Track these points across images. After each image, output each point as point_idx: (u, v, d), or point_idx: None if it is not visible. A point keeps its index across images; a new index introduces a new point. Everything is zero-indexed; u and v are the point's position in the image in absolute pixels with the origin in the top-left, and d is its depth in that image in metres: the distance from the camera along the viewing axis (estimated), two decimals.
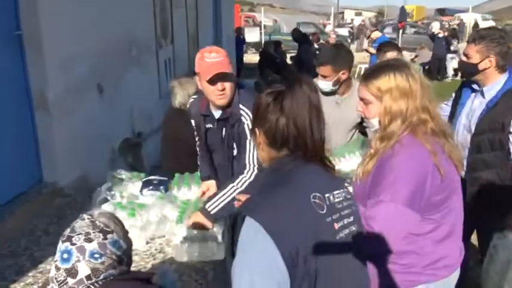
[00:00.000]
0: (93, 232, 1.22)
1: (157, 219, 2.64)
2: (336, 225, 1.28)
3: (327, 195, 1.28)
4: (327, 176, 1.36)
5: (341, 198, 1.32)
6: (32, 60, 3.05)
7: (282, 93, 1.29)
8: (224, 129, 2.40)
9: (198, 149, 2.82)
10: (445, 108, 2.91)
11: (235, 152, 2.42)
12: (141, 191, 2.87)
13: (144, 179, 2.98)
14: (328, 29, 17.96)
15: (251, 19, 24.97)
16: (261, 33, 19.27)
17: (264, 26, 19.94)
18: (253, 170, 2.34)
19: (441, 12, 44.83)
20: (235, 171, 2.44)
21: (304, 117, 1.27)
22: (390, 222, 1.56)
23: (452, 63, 13.95)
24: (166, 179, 2.93)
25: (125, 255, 1.31)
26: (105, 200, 2.90)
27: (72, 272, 1.18)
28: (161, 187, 2.86)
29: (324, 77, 2.92)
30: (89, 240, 1.20)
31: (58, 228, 2.84)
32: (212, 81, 2.23)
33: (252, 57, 16.27)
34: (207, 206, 2.32)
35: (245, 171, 2.36)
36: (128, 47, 4.54)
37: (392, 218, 1.56)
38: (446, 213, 1.68)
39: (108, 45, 4.04)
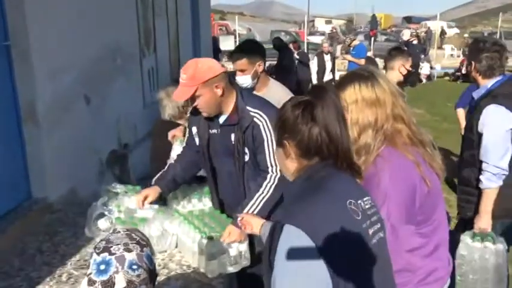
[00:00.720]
0: (131, 243, 1.20)
1: (158, 233, 2.57)
2: (370, 231, 1.29)
3: (359, 201, 1.29)
4: (355, 182, 1.37)
5: (369, 205, 1.34)
6: (21, 71, 2.93)
7: (310, 103, 1.30)
8: (233, 135, 2.33)
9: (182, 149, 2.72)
10: None
11: (247, 157, 2.34)
12: None
13: None
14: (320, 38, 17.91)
15: (224, 27, 25.03)
16: (235, 41, 19.29)
17: (238, 34, 19.98)
18: (277, 173, 2.26)
19: (408, 20, 46.20)
20: (247, 178, 2.37)
21: (334, 124, 1.28)
22: (390, 241, 1.50)
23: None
24: None
25: (154, 272, 1.28)
26: (101, 215, 2.81)
27: (108, 285, 1.15)
28: (160, 201, 2.79)
29: (242, 71, 2.94)
30: (128, 250, 1.18)
31: (51, 246, 2.71)
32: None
33: (225, 66, 16.27)
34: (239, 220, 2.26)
35: (268, 176, 2.28)
36: (114, 56, 4.45)
37: (390, 236, 1.51)
38: (436, 226, 1.67)
39: (95, 55, 3.95)
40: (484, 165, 2.58)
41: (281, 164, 1.41)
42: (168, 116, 3.30)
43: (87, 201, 3.44)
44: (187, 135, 2.70)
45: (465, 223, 2.86)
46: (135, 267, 1.18)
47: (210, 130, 2.43)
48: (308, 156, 1.31)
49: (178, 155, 2.75)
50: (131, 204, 2.91)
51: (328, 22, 46.97)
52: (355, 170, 1.35)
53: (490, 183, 2.56)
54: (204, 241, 2.26)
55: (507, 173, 2.56)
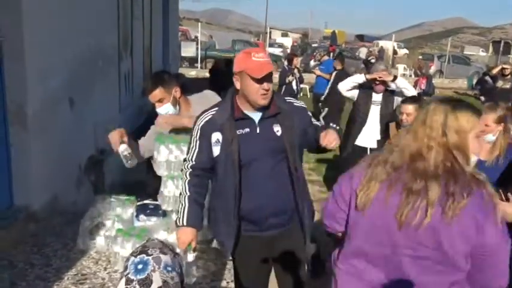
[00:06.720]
0: (165, 248, 1.28)
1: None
2: None
3: None
4: None
5: None
6: (12, 69, 2.73)
7: None
8: (275, 126, 2.22)
9: (191, 172, 2.28)
10: None
11: (296, 140, 2.25)
12: (137, 216, 2.68)
13: (138, 203, 2.79)
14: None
15: (184, 33, 24.71)
16: (197, 48, 19.15)
17: (200, 41, 19.87)
18: None
19: (360, 38, 47.83)
20: (295, 164, 2.24)
21: None
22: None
23: None
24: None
25: (183, 281, 1.30)
26: (97, 227, 2.68)
27: (146, 282, 1.19)
28: (159, 211, 2.70)
29: (160, 101, 2.69)
30: (163, 253, 1.25)
31: (42, 259, 2.53)
32: (261, 80, 2.13)
33: (186, 71, 16.11)
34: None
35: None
36: (96, 58, 4.27)
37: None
38: None
39: (80, 57, 3.76)
40: None
41: None
42: None
43: (71, 211, 3.28)
44: (194, 153, 2.30)
45: None
46: (169, 268, 1.24)
47: (240, 131, 2.22)
48: None
49: (194, 186, 2.31)
50: (124, 214, 2.81)
51: (285, 35, 47.79)
52: None
53: None
54: None
55: None
